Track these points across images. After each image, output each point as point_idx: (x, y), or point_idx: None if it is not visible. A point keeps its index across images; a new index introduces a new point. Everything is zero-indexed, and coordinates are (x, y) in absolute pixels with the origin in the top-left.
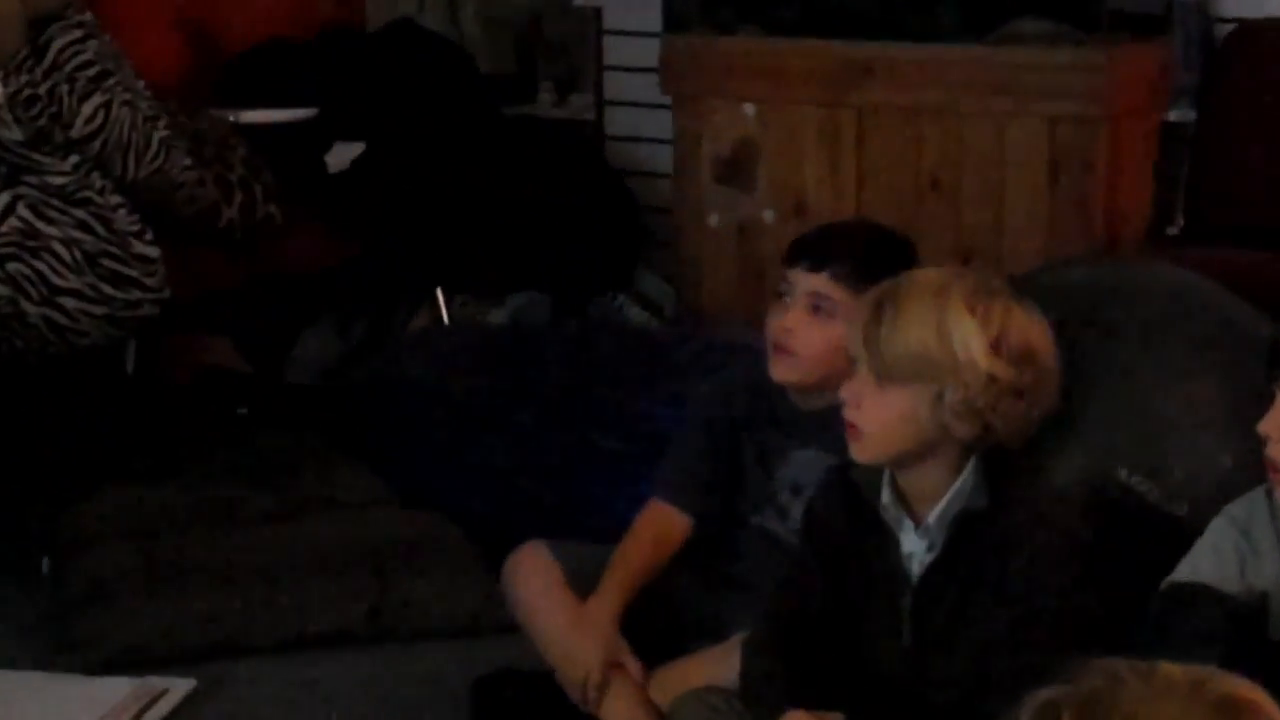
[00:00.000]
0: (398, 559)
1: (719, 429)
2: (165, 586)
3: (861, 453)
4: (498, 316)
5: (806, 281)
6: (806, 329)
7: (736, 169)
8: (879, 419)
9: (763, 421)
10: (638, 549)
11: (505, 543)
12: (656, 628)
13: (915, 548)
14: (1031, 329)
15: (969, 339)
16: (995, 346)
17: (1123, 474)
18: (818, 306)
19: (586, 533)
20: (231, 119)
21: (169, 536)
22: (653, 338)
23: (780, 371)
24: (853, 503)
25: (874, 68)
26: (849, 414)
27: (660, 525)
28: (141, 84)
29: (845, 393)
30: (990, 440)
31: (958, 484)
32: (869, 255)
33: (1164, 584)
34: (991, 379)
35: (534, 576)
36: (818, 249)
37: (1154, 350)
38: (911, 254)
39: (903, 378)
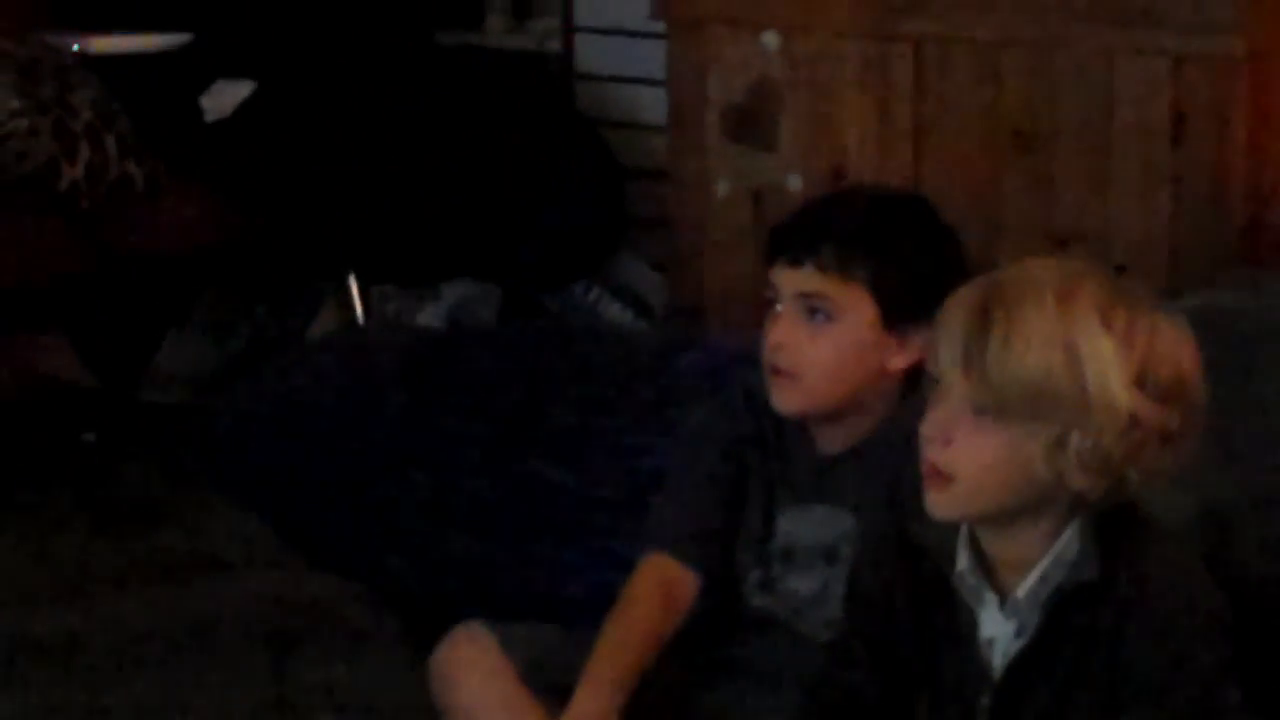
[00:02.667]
0: (301, 638)
1: (722, 466)
2: None
3: (946, 506)
4: (430, 315)
5: (792, 280)
6: (804, 341)
7: (753, 120)
8: (976, 463)
9: (770, 461)
10: (639, 620)
11: (434, 615)
12: None
13: (999, 631)
14: (1182, 353)
15: (1106, 367)
16: (1139, 378)
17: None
18: (814, 309)
19: (540, 603)
20: (75, 48)
21: None
22: (635, 344)
23: (782, 400)
24: (915, 571)
25: None
26: (933, 453)
27: (665, 586)
28: None
29: (930, 427)
30: (1119, 497)
31: (1058, 547)
32: (864, 229)
33: None
34: (1134, 422)
35: (475, 673)
36: (795, 236)
37: None
38: (930, 217)
39: (1013, 413)
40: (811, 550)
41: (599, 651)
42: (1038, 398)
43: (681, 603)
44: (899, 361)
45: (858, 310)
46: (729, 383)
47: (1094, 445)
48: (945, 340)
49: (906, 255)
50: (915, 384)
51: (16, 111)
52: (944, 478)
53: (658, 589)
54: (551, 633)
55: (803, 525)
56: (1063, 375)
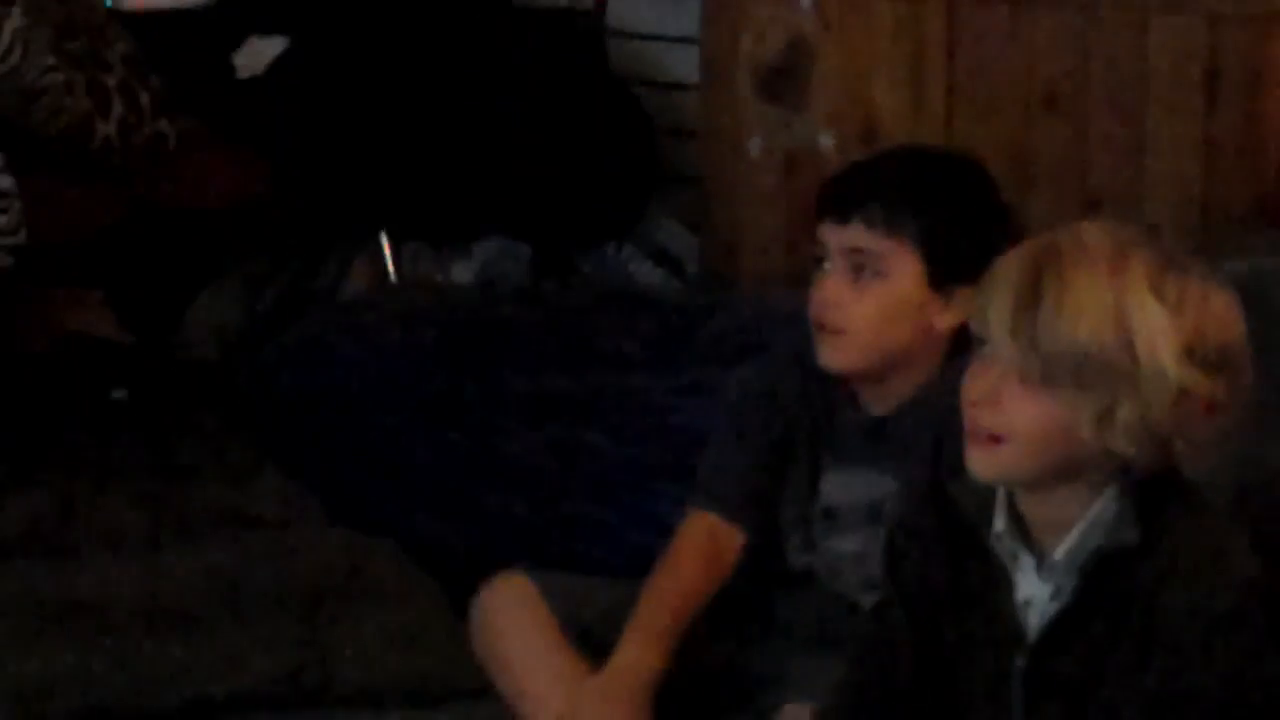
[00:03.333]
0: (331, 598)
1: (771, 425)
2: (12, 633)
3: (991, 467)
4: (462, 272)
5: (839, 237)
6: (850, 298)
7: (786, 79)
8: (1023, 427)
9: (817, 422)
10: (685, 575)
11: (468, 576)
12: (677, 693)
13: (1035, 592)
14: (1231, 323)
15: (1157, 335)
16: (1189, 349)
17: None
18: (860, 266)
19: (575, 562)
20: (109, 3)
21: (17, 564)
22: (669, 305)
23: (829, 357)
24: (951, 531)
25: None
26: (980, 415)
27: (709, 543)
28: None
29: (976, 389)
30: (1164, 468)
31: (1096, 509)
32: (912, 186)
33: None
34: (1183, 393)
35: (515, 620)
36: (843, 192)
37: None
38: (980, 177)
39: (1062, 381)
40: (855, 510)
41: (645, 603)
42: (1087, 367)
43: (727, 560)
44: (945, 320)
45: (904, 268)
46: (763, 342)
47: (1142, 416)
48: (995, 304)
49: (955, 214)
50: (960, 345)
51: (51, 67)
52: (991, 439)
53: (705, 545)
54: (592, 583)
55: (847, 486)
56: (1113, 346)
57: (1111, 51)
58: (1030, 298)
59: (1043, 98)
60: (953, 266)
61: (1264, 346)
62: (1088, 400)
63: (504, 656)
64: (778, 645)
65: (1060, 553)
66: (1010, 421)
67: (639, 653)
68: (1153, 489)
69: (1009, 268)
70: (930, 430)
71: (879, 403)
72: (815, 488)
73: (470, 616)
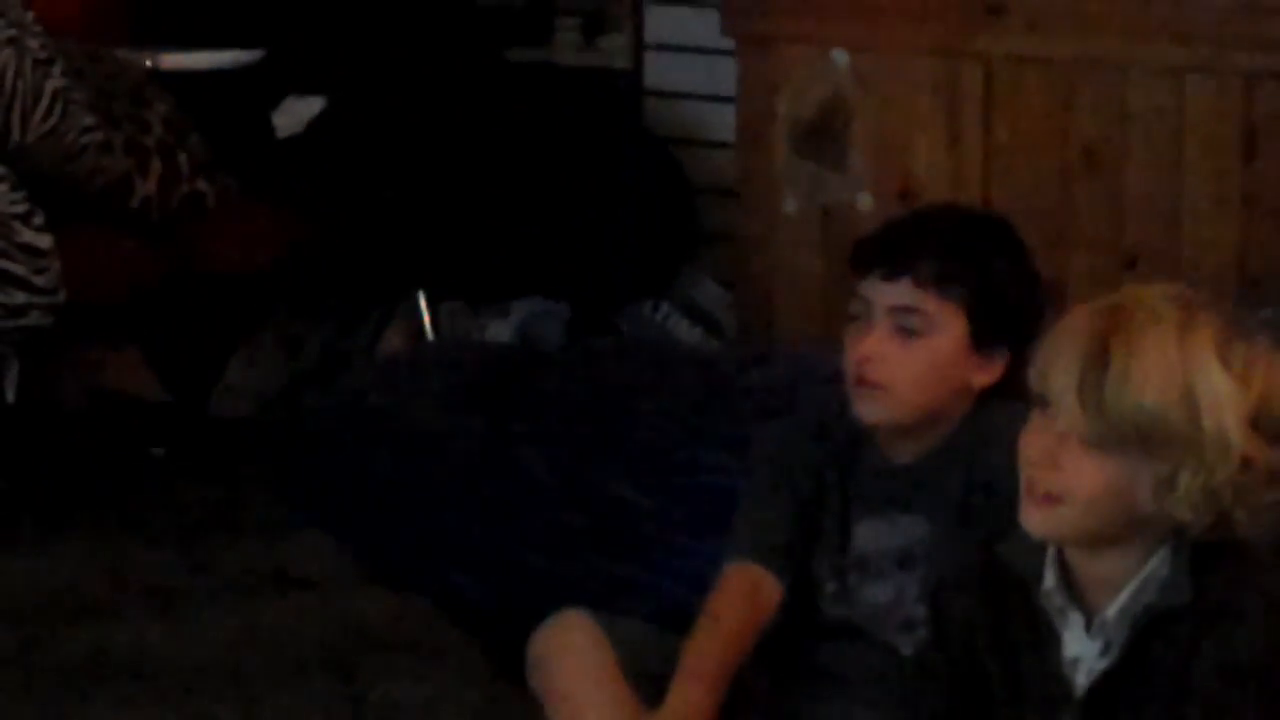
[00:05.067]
0: (369, 656)
1: (799, 479)
2: (50, 691)
3: (1048, 526)
4: (499, 331)
5: (885, 294)
6: (895, 354)
7: (822, 137)
8: (1083, 490)
9: (844, 475)
10: (728, 622)
11: (508, 636)
12: None
13: (1084, 651)
14: None
15: (1223, 405)
16: (1255, 418)
17: None
18: (906, 324)
19: None
20: (149, 64)
21: (55, 624)
22: (704, 362)
23: (868, 411)
24: (999, 588)
25: (1008, 4)
26: (1039, 476)
27: (751, 591)
28: (30, 16)
29: (1035, 449)
30: (1221, 534)
31: (1149, 569)
32: (961, 247)
33: None
34: (1246, 462)
35: (577, 657)
36: (893, 250)
37: None
38: (1014, 240)
39: (1125, 446)
40: (886, 557)
41: (692, 649)
42: (1152, 434)
43: (766, 608)
44: (982, 379)
45: (950, 327)
46: (799, 400)
47: (1204, 484)
48: (1059, 365)
49: (1000, 276)
50: (984, 397)
51: (91, 127)
52: (1048, 499)
53: (745, 594)
54: (645, 628)
55: (877, 534)
56: (1179, 414)
57: (1148, 110)
58: (1098, 361)
59: (1080, 156)
60: (995, 328)
61: None
62: (1149, 466)
63: (563, 692)
64: (821, 691)
65: (1112, 611)
66: (1069, 483)
67: (691, 695)
68: (1207, 547)
69: (1076, 330)
70: (958, 477)
71: (905, 452)
72: (847, 538)
73: (530, 652)
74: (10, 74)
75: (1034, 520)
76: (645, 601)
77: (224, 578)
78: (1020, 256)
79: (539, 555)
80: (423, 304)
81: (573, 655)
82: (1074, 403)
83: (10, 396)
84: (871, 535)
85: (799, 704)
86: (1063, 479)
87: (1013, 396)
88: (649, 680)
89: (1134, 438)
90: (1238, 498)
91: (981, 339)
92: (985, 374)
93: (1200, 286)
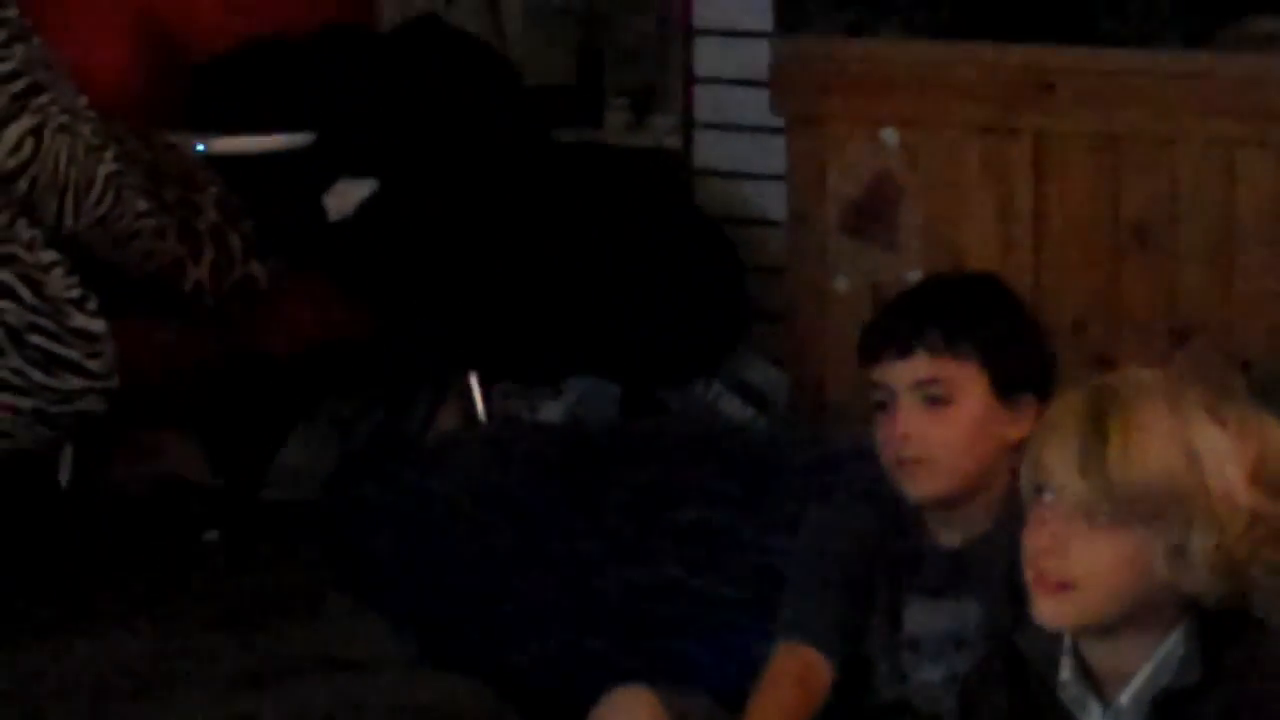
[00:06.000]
0: None
1: (851, 559)
2: None
3: (1063, 615)
4: (551, 412)
5: (903, 372)
6: (928, 427)
7: (872, 215)
8: (1096, 570)
9: (895, 558)
10: (781, 699)
11: (565, 717)
12: None
13: None
14: None
15: (1226, 463)
16: (1256, 474)
17: None
18: (931, 395)
19: None
20: (201, 148)
21: (111, 704)
22: (757, 442)
23: (916, 488)
24: (1020, 678)
25: (1056, 81)
26: (1049, 565)
27: (802, 672)
28: (83, 101)
29: (1040, 539)
30: (1236, 600)
31: (1163, 651)
32: (964, 305)
33: None
34: (1254, 518)
35: None
36: (899, 330)
37: None
38: (1008, 291)
39: (1133, 517)
40: (938, 639)
41: None
42: (1160, 499)
43: (819, 688)
44: (1015, 431)
45: (972, 387)
46: (849, 479)
47: (1217, 544)
48: (1055, 450)
49: (1006, 323)
50: None
51: (143, 213)
52: (1060, 586)
53: (796, 675)
54: (705, 702)
55: (930, 616)
56: (1184, 475)
57: (1198, 184)
58: (1096, 437)
59: (1131, 231)
60: (1015, 374)
61: None
62: (1160, 534)
63: None
64: None
65: (1126, 696)
66: (1081, 566)
67: None
68: (1220, 624)
69: (1065, 414)
70: (1005, 557)
71: (956, 532)
72: (899, 619)
73: None
74: (63, 161)
75: (1048, 611)
76: (700, 680)
77: (276, 661)
78: (1019, 305)
79: (595, 636)
80: (475, 386)
81: None
82: (1079, 481)
83: (65, 481)
84: (923, 618)
85: None
86: (1074, 564)
87: None
88: None
89: (1143, 508)
90: (1251, 556)
91: (1005, 389)
92: (1018, 426)
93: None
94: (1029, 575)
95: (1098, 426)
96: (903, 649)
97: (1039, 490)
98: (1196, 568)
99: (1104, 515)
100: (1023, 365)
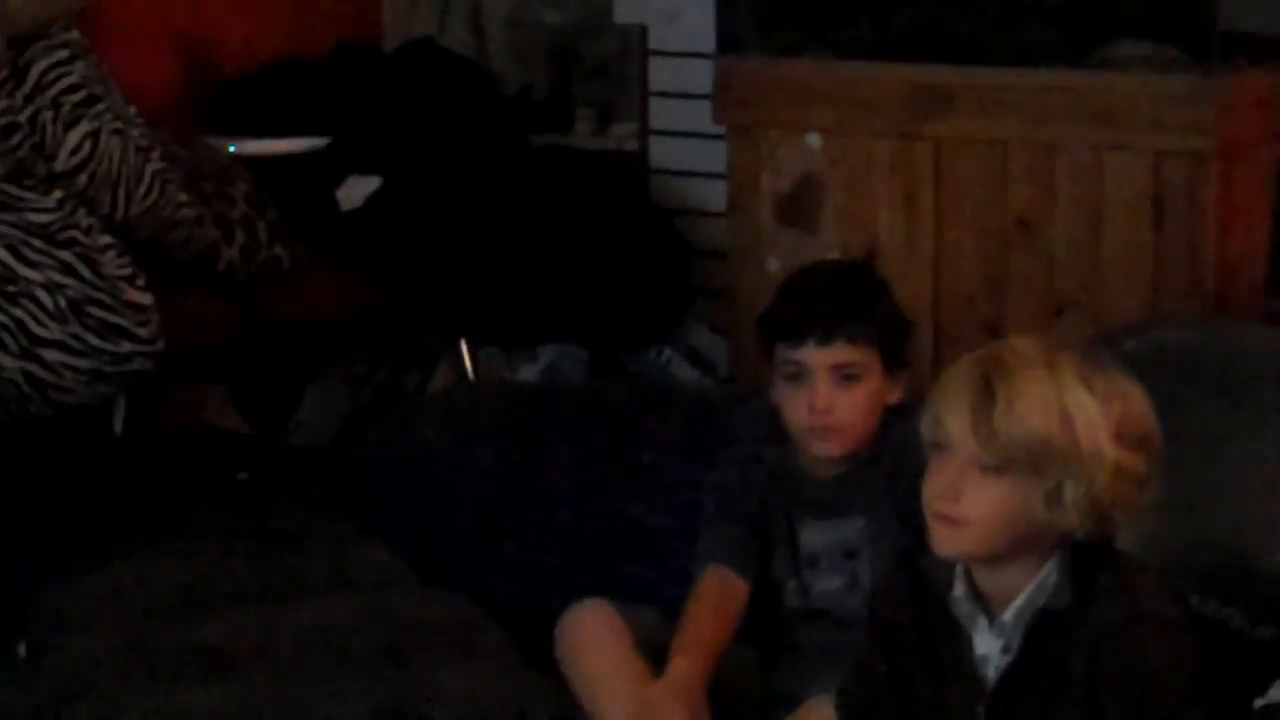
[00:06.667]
0: (420, 646)
1: (750, 497)
2: (155, 676)
3: (954, 544)
4: (528, 373)
5: (824, 358)
6: (843, 401)
7: (799, 208)
8: (984, 511)
9: (785, 493)
10: (709, 609)
11: (536, 631)
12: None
13: (990, 649)
14: (1146, 408)
15: (1094, 423)
16: (1118, 432)
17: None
18: (846, 376)
19: None
20: (232, 149)
21: (158, 619)
22: (703, 398)
23: (831, 449)
24: (920, 594)
25: (954, 95)
26: (942, 507)
27: (725, 588)
28: (132, 110)
29: (937, 486)
30: (1101, 535)
31: (1039, 578)
32: (866, 303)
33: (1257, 705)
34: (1118, 469)
35: (599, 636)
36: (820, 319)
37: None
38: (884, 282)
39: (1016, 468)
40: (832, 553)
41: (681, 636)
42: (1039, 453)
43: (738, 602)
44: (893, 397)
45: (873, 367)
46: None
47: (1086, 491)
48: (950, 410)
49: (892, 313)
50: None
51: (184, 203)
52: (956, 523)
53: (720, 590)
54: (652, 614)
55: (821, 534)
56: (1059, 434)
57: (1074, 183)
58: (985, 400)
59: (1016, 222)
60: (899, 354)
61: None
62: (1039, 483)
63: (586, 666)
64: (800, 667)
65: (1009, 614)
66: (970, 508)
67: (688, 664)
68: (1089, 556)
69: (959, 379)
70: (882, 478)
71: (832, 466)
72: (795, 542)
73: (557, 634)
74: (116, 159)
75: (944, 543)
76: (653, 598)
77: (296, 582)
78: (892, 294)
79: (561, 560)
80: (465, 350)
81: (596, 636)
82: (970, 437)
83: (119, 429)
84: (816, 536)
85: (783, 676)
86: (965, 506)
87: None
88: (659, 656)
89: (1025, 459)
90: (1114, 501)
91: (891, 366)
92: (896, 393)
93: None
94: (928, 513)
95: (986, 391)
96: (803, 565)
97: (937, 445)
98: (1069, 510)
99: (991, 466)
100: (903, 346)
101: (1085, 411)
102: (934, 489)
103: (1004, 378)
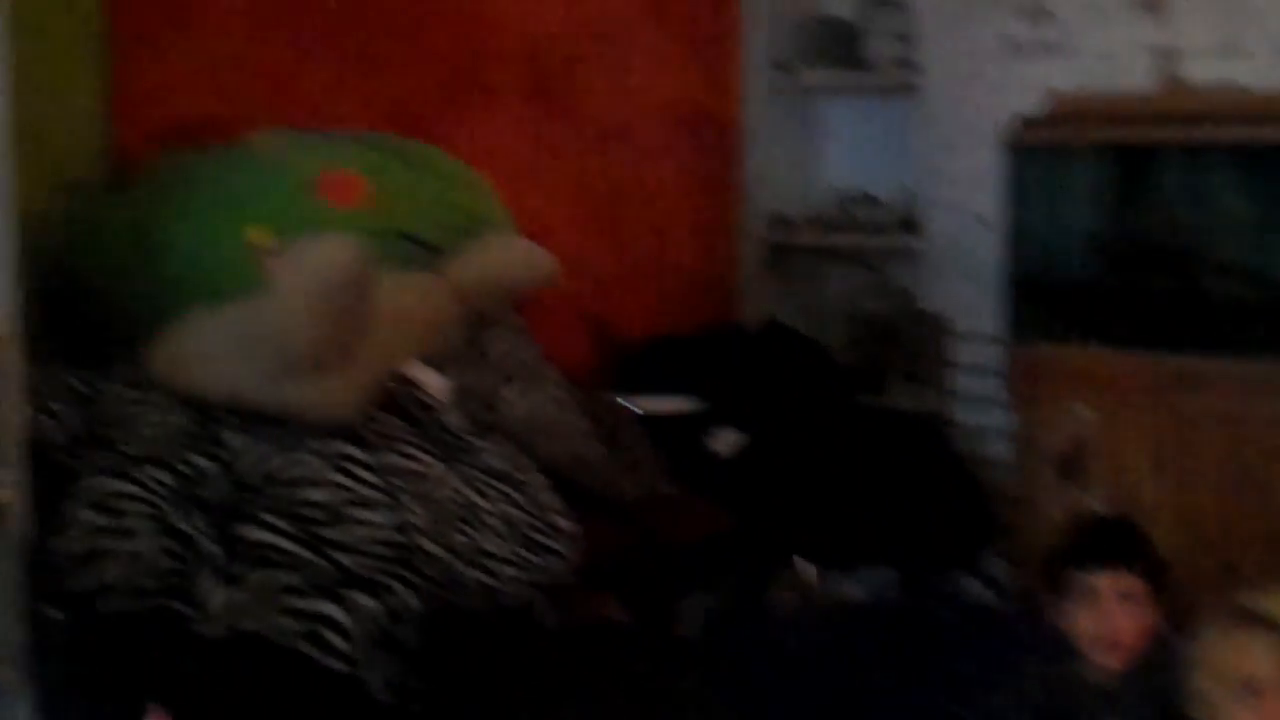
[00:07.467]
0: None
1: (1043, 700)
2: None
3: None
4: (851, 589)
5: (1118, 583)
6: (1135, 622)
7: (1074, 464)
8: None
9: (1069, 700)
10: None
11: None
12: None
13: None
14: None
15: None
16: None
17: None
18: (1128, 599)
19: None
20: (630, 406)
21: None
22: (993, 615)
23: (1116, 662)
24: None
25: (1196, 380)
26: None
27: None
28: (553, 373)
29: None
30: None
31: None
32: (1146, 546)
33: None
34: None
35: None
36: (1118, 551)
37: None
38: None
39: None
40: None
41: None
42: None
43: None
44: (1153, 617)
45: (1146, 595)
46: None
47: None
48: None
49: (1158, 556)
50: None
51: (599, 451)
52: None
53: None
54: None
55: None
56: None
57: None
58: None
59: (1246, 480)
60: (1163, 588)
61: None
62: None
63: None
64: None
65: None
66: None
67: None
68: None
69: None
70: (1149, 690)
71: (1113, 678)
72: None
73: None
74: (551, 416)
75: None
76: None
77: None
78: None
79: None
80: (811, 568)
81: None
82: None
83: (540, 619)
84: None
85: None
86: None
87: None
88: None
89: None
90: None
91: (1158, 596)
92: (1154, 614)
93: None
94: None
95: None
96: None
97: (1248, 688)
98: None
99: None
100: (1165, 581)
101: None
102: None
103: None
